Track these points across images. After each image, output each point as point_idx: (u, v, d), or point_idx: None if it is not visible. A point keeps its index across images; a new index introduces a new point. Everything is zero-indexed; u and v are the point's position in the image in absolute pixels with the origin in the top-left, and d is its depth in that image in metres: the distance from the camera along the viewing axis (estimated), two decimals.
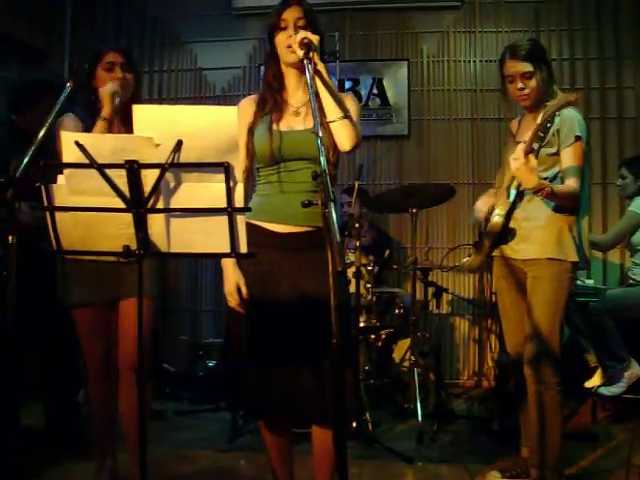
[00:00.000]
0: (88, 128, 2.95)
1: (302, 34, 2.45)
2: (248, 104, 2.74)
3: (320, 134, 2.07)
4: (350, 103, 2.65)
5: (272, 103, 2.67)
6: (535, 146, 2.95)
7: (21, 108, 3.57)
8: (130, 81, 3.08)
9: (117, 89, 2.95)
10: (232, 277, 2.59)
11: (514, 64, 3.17)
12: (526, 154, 2.86)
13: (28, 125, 3.53)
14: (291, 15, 2.59)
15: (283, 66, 2.67)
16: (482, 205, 3.38)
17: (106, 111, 2.90)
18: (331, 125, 2.51)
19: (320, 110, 2.46)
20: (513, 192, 3.19)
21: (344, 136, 2.52)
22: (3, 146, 3.41)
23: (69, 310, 3.09)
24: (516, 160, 2.89)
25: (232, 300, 2.58)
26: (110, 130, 2.95)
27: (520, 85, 3.17)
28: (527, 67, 3.14)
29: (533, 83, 3.16)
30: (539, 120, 2.90)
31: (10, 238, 2.08)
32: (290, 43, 2.53)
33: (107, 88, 2.94)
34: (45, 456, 3.52)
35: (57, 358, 3.70)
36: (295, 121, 2.65)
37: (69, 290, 3.08)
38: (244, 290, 2.57)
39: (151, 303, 3.02)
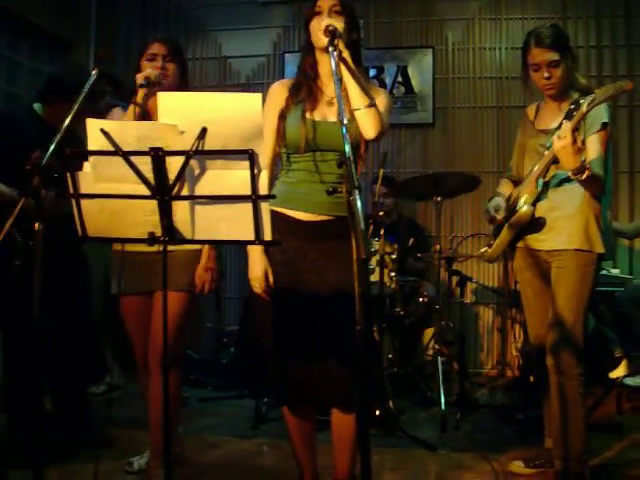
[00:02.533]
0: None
1: (327, 21, 2.45)
2: (280, 88, 2.74)
3: (345, 122, 2.07)
4: (381, 96, 2.65)
5: (307, 91, 2.67)
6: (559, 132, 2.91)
7: (51, 100, 3.54)
8: (170, 71, 3.09)
9: (150, 73, 2.92)
10: (259, 264, 2.59)
11: (541, 52, 3.10)
12: (572, 133, 2.81)
13: (51, 118, 3.50)
14: (326, 2, 2.61)
15: (318, 53, 2.67)
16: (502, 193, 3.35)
17: (138, 96, 2.90)
18: (356, 113, 2.50)
19: (347, 98, 2.47)
20: (540, 181, 3.16)
21: (368, 124, 2.51)
22: (28, 136, 3.41)
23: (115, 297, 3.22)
24: (563, 139, 2.81)
25: (258, 286, 2.59)
26: (148, 118, 2.97)
27: (546, 74, 3.10)
28: (554, 56, 3.08)
29: (559, 72, 3.10)
30: (584, 108, 2.82)
31: (36, 225, 2.09)
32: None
33: (141, 74, 2.93)
34: (57, 445, 3.54)
35: (66, 350, 3.71)
36: (329, 111, 2.65)
37: (112, 279, 3.23)
38: (271, 277, 2.58)
39: (185, 296, 3.11)
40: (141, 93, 2.89)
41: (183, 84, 3.17)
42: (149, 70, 2.96)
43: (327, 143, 2.57)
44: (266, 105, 2.65)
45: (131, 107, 2.93)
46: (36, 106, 3.57)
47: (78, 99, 2.34)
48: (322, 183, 2.56)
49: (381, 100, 2.62)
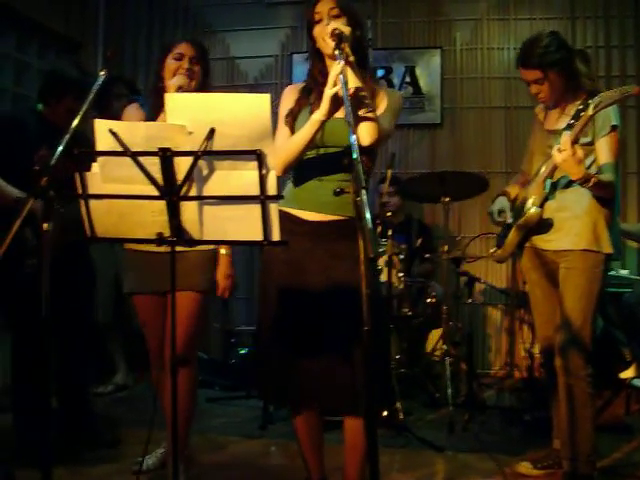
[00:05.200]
0: (149, 119, 3.02)
1: (332, 25, 2.43)
2: (292, 91, 2.75)
3: (352, 123, 2.06)
4: (385, 99, 2.64)
5: (316, 95, 2.63)
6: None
7: (47, 99, 3.58)
8: (196, 73, 3.12)
9: (183, 83, 3.00)
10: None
11: (525, 72, 3.15)
12: (572, 145, 2.82)
13: (53, 117, 3.54)
14: (324, 7, 2.57)
15: (327, 59, 2.63)
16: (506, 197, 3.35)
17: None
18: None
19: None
20: (548, 182, 3.16)
21: (364, 131, 2.46)
22: (31, 135, 3.43)
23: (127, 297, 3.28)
24: (563, 151, 2.82)
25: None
26: None
27: (535, 91, 3.17)
28: (537, 74, 3.10)
29: (546, 87, 3.12)
30: (590, 111, 2.81)
31: (45, 225, 2.10)
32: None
33: (174, 81, 3.01)
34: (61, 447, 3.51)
35: (70, 350, 3.71)
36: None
37: (125, 278, 3.26)
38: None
39: (200, 296, 3.12)
40: None
41: (207, 86, 3.20)
42: (181, 79, 3.02)
43: (333, 139, 2.54)
44: (280, 108, 2.71)
45: (162, 115, 2.89)
46: (39, 106, 3.59)
47: (83, 99, 2.35)
48: (328, 181, 2.55)
49: (385, 103, 2.62)
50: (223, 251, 3.20)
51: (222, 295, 3.26)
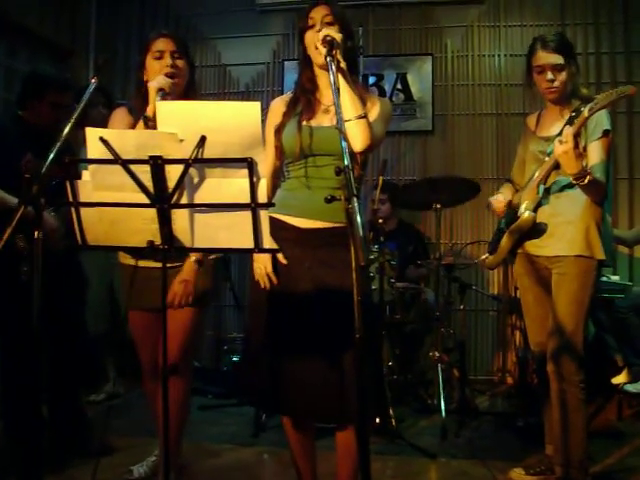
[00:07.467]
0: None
1: (324, 32, 2.43)
2: (279, 104, 2.75)
3: (343, 130, 2.07)
4: (377, 105, 2.65)
5: (305, 103, 2.67)
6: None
7: (26, 102, 3.54)
8: (182, 69, 2.93)
9: (164, 84, 2.73)
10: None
11: (546, 55, 3.12)
12: (574, 138, 2.80)
13: (35, 119, 3.51)
14: (318, 14, 2.59)
15: (316, 68, 2.65)
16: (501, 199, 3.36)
17: (150, 108, 2.71)
18: (346, 124, 2.45)
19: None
20: (541, 187, 3.16)
21: (357, 136, 2.47)
22: (13, 141, 3.41)
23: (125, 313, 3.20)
24: (565, 143, 2.80)
25: (262, 269, 2.60)
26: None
27: (550, 77, 3.13)
28: (559, 59, 3.10)
29: (563, 76, 3.12)
30: (586, 113, 2.82)
31: (36, 233, 2.09)
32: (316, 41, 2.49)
33: (154, 82, 2.75)
34: (52, 455, 3.50)
35: (62, 360, 3.68)
36: (324, 118, 2.64)
37: (123, 293, 3.25)
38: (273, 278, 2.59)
39: (194, 310, 3.04)
40: (152, 107, 2.69)
41: (193, 82, 3.05)
42: (162, 80, 2.76)
43: (322, 147, 2.56)
44: (266, 122, 2.69)
45: (141, 122, 2.73)
46: (19, 112, 3.56)
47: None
48: (319, 189, 2.55)
49: (377, 109, 2.62)
50: (193, 258, 2.90)
51: (172, 301, 2.89)
